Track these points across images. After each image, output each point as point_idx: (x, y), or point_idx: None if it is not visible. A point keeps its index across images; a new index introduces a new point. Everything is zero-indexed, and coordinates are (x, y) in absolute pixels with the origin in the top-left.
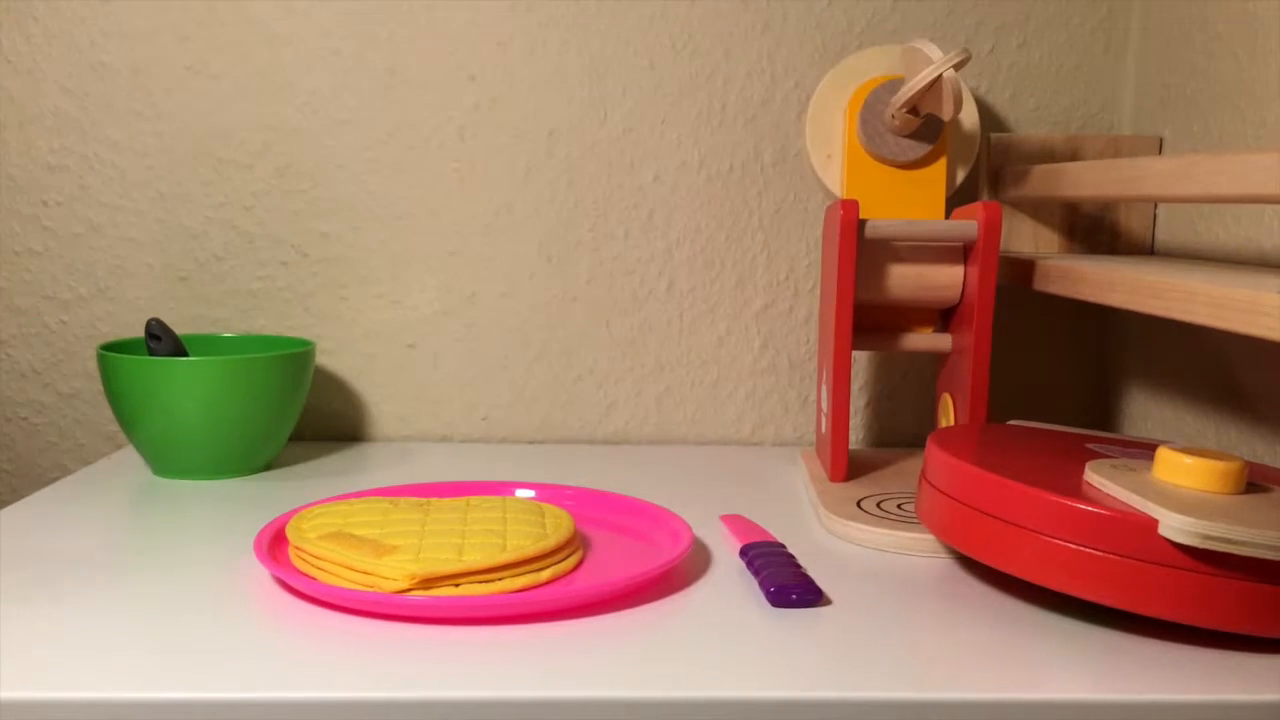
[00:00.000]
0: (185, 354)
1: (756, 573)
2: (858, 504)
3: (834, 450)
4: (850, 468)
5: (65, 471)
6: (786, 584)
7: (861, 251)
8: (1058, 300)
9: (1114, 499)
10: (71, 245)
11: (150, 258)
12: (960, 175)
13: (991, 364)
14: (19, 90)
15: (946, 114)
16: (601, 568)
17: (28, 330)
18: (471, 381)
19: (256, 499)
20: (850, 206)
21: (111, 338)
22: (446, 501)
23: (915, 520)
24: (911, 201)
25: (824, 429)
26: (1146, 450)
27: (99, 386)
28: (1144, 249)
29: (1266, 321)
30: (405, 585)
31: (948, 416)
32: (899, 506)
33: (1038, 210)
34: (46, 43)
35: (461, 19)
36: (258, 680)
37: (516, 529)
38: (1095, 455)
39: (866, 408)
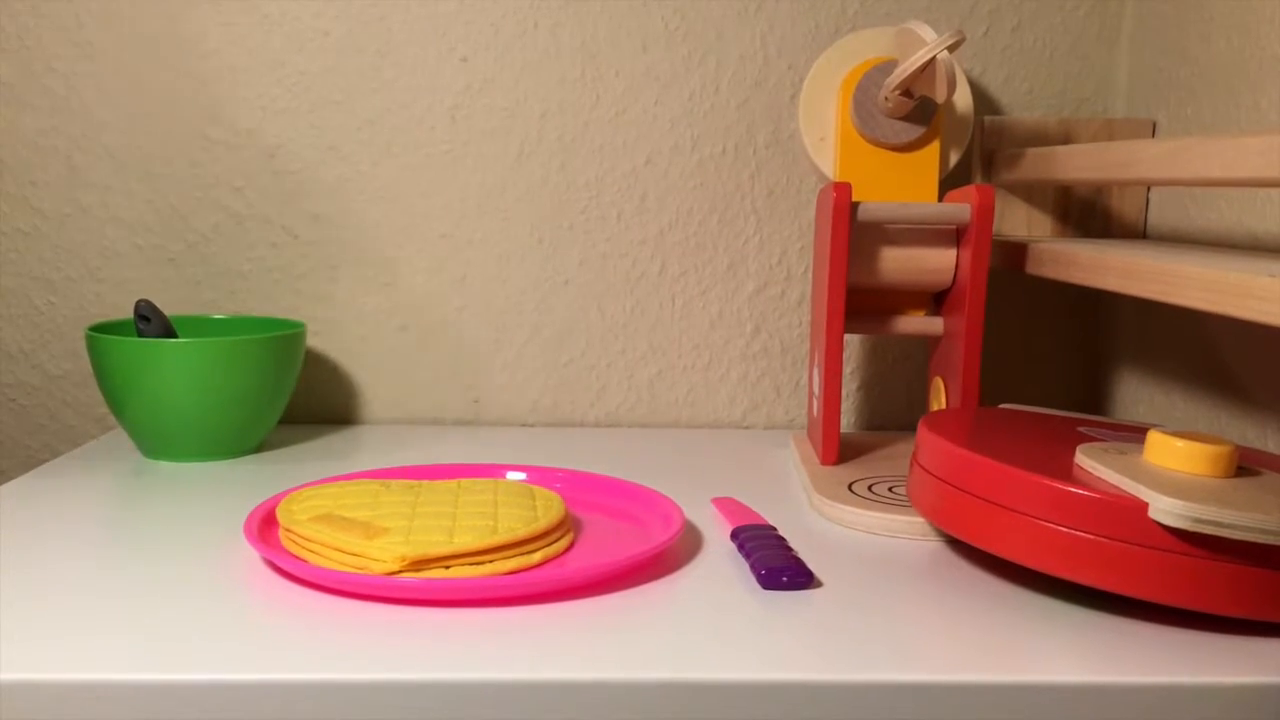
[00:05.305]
0: (174, 335)
1: (748, 555)
2: (849, 487)
3: (825, 433)
4: (841, 451)
5: (54, 453)
6: (777, 566)
7: (854, 234)
8: (1050, 284)
9: (1105, 482)
10: (60, 226)
11: (139, 239)
12: (953, 158)
13: (983, 347)
14: (6, 70)
15: (940, 96)
16: (593, 550)
17: (15, 311)
18: (463, 364)
19: (246, 481)
20: (843, 189)
21: (100, 319)
22: (437, 484)
23: (906, 503)
24: (904, 184)
25: (815, 412)
26: (1137, 434)
27: (88, 368)
28: (1136, 232)
29: (1259, 305)
30: (396, 567)
31: (939, 400)
32: (890, 490)
33: (1031, 193)
34: (34, 21)
35: (453, 0)
36: (247, 662)
37: (507, 511)
38: (1086, 439)
39: (858, 391)
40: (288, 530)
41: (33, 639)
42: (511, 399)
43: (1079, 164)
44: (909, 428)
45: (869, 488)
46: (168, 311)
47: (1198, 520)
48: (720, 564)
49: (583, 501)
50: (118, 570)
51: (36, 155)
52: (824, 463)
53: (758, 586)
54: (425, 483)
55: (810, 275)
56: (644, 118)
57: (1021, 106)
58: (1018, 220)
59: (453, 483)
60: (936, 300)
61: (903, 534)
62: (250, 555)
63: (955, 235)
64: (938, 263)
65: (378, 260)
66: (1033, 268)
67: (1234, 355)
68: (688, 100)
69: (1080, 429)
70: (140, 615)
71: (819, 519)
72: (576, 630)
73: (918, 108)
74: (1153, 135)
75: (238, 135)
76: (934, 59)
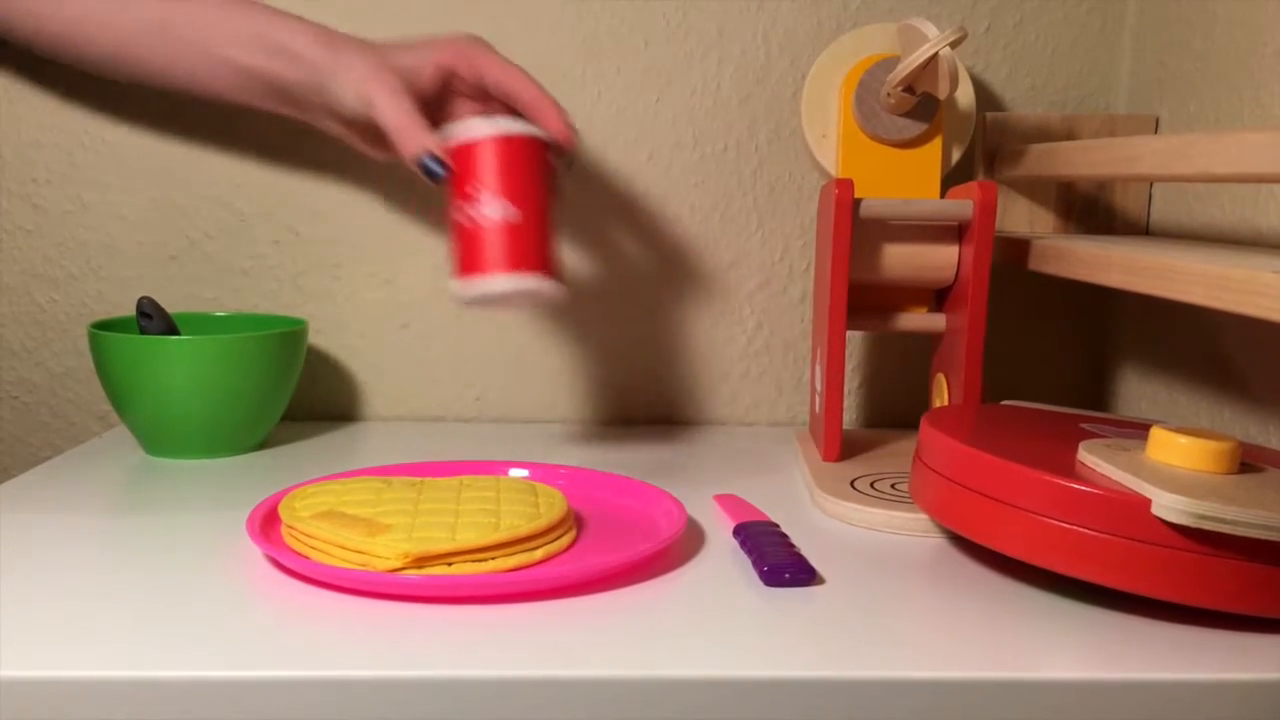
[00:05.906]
0: (177, 333)
1: (750, 552)
2: (851, 484)
3: (827, 430)
4: (844, 448)
5: (57, 451)
6: (780, 563)
7: (856, 231)
8: (1053, 280)
9: (1107, 478)
10: (62, 223)
11: (141, 236)
12: (956, 154)
13: (986, 344)
14: (7, 67)
15: (942, 92)
16: (595, 547)
17: (18, 308)
18: (465, 361)
19: (249, 478)
20: (845, 186)
21: (102, 316)
22: (440, 481)
23: (908, 500)
24: (907, 181)
25: (817, 409)
26: (1140, 430)
27: (90, 365)
28: (1139, 229)
29: (1262, 301)
30: (398, 564)
31: (942, 397)
32: (892, 486)
33: (1033, 190)
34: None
35: None
36: (249, 659)
37: (510, 508)
38: (1089, 435)
39: (860, 388)
40: (290, 527)
41: (34, 637)
42: (513, 396)
43: (1081, 160)
44: (911, 425)
45: (871, 484)
46: (170, 309)
47: (1201, 517)
48: (722, 561)
49: (585, 498)
50: (120, 567)
51: (38, 152)
52: (826, 459)
53: (760, 583)
54: (427, 480)
55: (812, 272)
56: (645, 114)
57: (1024, 102)
58: (1020, 216)
59: (455, 480)
60: (939, 297)
61: (905, 530)
62: (253, 552)
63: (957, 231)
64: (940, 259)
65: (379, 258)
66: (1035, 264)
67: (1237, 351)
68: (689, 97)
69: (1083, 425)
70: (142, 613)
71: (821, 516)
72: (578, 627)
73: (920, 104)
74: (1155, 131)
75: (239, 132)
76: (936, 55)
